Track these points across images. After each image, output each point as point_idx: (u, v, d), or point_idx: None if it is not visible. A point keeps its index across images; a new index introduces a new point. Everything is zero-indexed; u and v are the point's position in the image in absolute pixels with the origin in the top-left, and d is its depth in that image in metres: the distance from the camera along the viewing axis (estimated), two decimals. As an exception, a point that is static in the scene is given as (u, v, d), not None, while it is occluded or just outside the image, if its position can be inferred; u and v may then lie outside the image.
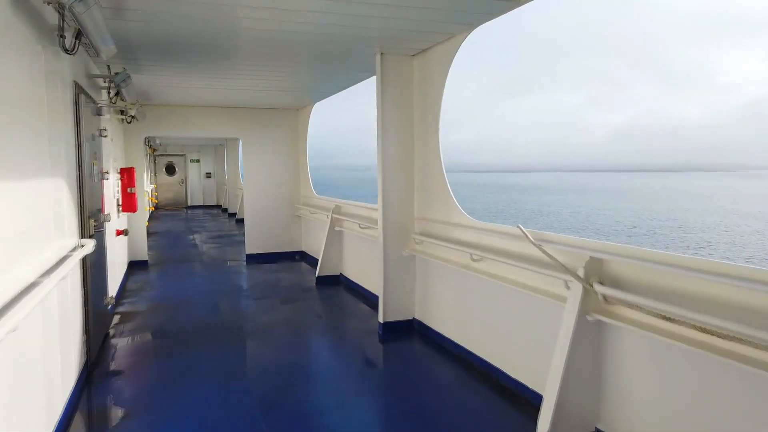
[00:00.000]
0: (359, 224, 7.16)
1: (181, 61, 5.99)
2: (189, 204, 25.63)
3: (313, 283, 8.30)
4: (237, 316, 6.55)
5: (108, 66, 5.80)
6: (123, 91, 5.74)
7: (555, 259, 3.47)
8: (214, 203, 25.47)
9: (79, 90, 4.59)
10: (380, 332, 5.72)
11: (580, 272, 3.24)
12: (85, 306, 4.64)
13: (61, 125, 3.93)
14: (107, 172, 5.97)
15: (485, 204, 60.59)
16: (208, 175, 26.03)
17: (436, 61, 5.25)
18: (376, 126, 5.67)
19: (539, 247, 3.62)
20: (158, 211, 23.33)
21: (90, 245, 4.33)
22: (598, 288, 3.13)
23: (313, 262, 9.59)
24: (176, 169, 25.93)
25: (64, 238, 3.92)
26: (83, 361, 4.54)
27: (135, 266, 9.56)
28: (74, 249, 4.12)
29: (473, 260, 4.60)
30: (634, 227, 42.81)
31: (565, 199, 73.80)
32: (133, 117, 8.48)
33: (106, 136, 5.89)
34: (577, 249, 3.40)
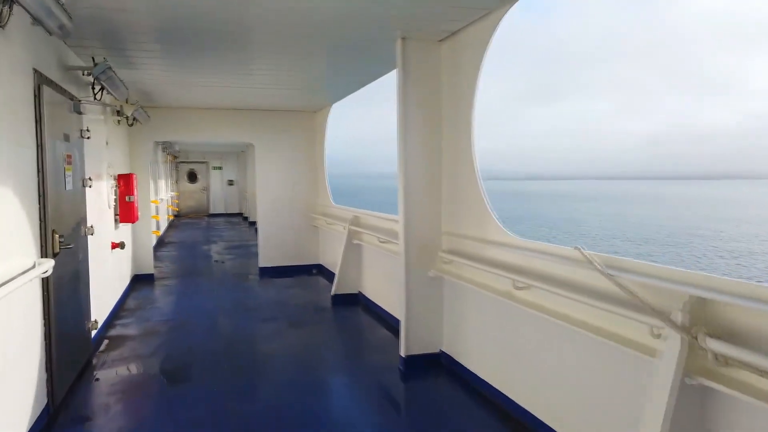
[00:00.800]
0: (378, 238, 6.31)
1: (180, 54, 5.27)
2: (211, 212, 25.12)
3: (329, 302, 7.47)
4: (237, 344, 5.72)
5: (93, 58, 5.07)
6: (106, 85, 5.00)
7: (635, 296, 2.55)
8: (237, 211, 24.90)
9: (41, 80, 3.85)
10: (402, 368, 4.83)
11: (677, 317, 2.32)
12: (47, 338, 3.88)
13: (7, 120, 3.18)
14: (90, 179, 5.23)
15: (510, 212, 59.08)
16: (231, 183, 25.51)
17: (469, 45, 4.38)
18: (397, 124, 4.82)
19: (611, 278, 2.71)
20: (179, 219, 22.85)
21: (46, 266, 3.57)
22: (709, 343, 2.20)
23: (330, 276, 8.77)
24: (198, 176, 25.48)
25: (9, 258, 3.16)
26: (43, 404, 3.76)
27: (140, 281, 8.86)
28: (27, 270, 3.37)
29: (517, 288, 3.69)
30: (668, 236, 41.34)
31: (594, 206, 71.93)
32: (134, 119, 7.83)
33: (89, 138, 5.17)
34: (667, 283, 2.48)
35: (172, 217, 20.48)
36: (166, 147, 16.91)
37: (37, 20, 3.13)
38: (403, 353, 4.82)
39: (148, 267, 9.09)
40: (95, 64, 4.64)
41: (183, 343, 5.69)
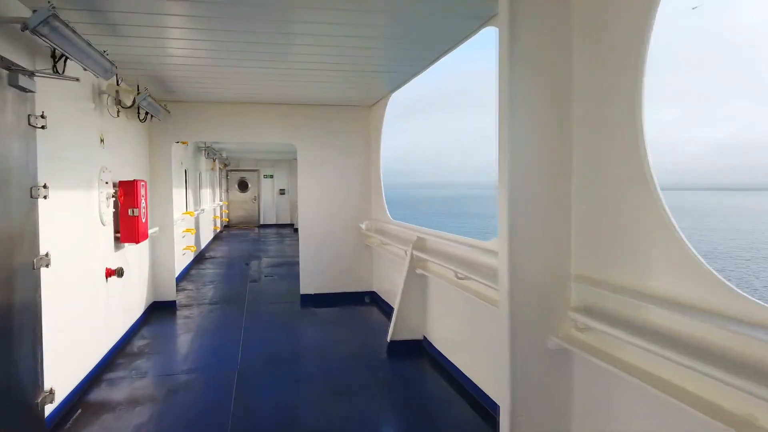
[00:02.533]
0: (456, 273, 4.45)
1: (195, 14, 3.65)
2: (262, 222, 23.88)
3: (384, 350, 5.66)
4: (253, 428, 3.96)
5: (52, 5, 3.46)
6: (59, 46, 3.39)
7: None
8: (288, 221, 23.55)
9: None
10: (504, 498, 2.95)
11: None
12: None
13: None
14: (46, 186, 3.65)
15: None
16: (282, 192, 24.23)
17: None
18: (497, 101, 2.98)
19: None
20: (228, 230, 21.68)
21: None
22: None
23: (386, 309, 7.00)
24: (249, 185, 24.36)
25: None
26: None
27: (158, 309, 7.36)
28: None
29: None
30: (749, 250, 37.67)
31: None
32: (147, 113, 6.34)
33: (44, 127, 3.59)
34: None
35: (217, 228, 19.26)
36: (210, 152, 15.62)
37: None
38: (506, 473, 2.95)
39: (170, 293, 7.58)
40: (34, 10, 3.03)
41: (176, 426, 3.99)
